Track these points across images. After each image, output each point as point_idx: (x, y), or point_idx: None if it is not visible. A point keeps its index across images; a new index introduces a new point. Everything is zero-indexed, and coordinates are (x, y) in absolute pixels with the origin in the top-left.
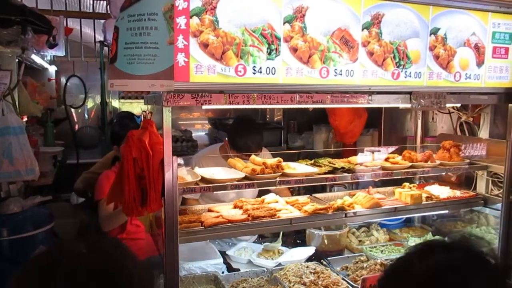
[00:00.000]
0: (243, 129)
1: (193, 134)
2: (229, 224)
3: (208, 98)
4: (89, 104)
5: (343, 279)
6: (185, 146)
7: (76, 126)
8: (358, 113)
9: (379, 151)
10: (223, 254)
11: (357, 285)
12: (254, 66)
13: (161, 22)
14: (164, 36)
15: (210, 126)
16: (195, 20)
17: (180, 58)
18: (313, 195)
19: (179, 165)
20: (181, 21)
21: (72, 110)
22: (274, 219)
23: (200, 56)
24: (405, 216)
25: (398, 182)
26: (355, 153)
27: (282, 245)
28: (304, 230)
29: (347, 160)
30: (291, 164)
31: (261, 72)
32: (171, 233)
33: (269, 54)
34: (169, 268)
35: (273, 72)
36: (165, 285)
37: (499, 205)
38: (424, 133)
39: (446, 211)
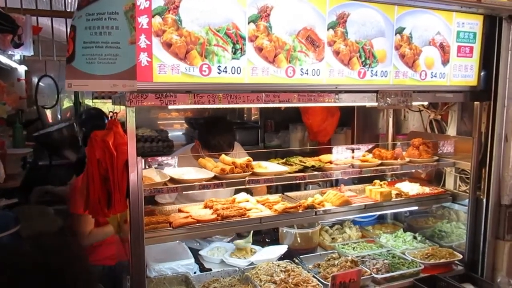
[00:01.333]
0: (213, 129)
1: (170, 134)
2: (198, 224)
3: (173, 98)
4: (66, 104)
5: (314, 276)
6: (161, 146)
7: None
8: (331, 112)
9: (358, 149)
10: (196, 254)
11: (327, 282)
12: (219, 66)
13: (122, 21)
14: (126, 35)
15: (187, 125)
16: (157, 20)
17: (143, 57)
18: (285, 193)
19: (149, 166)
20: (143, 20)
21: (48, 111)
22: (243, 219)
23: (163, 55)
24: (375, 213)
25: (373, 180)
26: (329, 151)
27: (255, 244)
28: (277, 229)
29: (318, 158)
30: (262, 163)
31: (226, 71)
32: (137, 234)
33: (234, 53)
34: (135, 270)
35: (239, 72)
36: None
37: (467, 201)
38: (396, 130)
39: (416, 208)
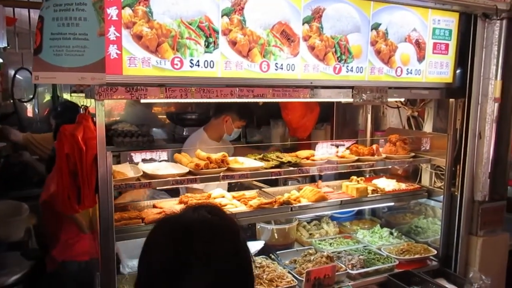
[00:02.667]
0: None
1: (153, 129)
2: None
3: (144, 92)
4: (47, 98)
5: (289, 272)
6: (141, 141)
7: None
8: (310, 108)
9: (342, 145)
10: None
11: (302, 278)
12: (192, 59)
13: (90, 12)
14: (94, 27)
15: (169, 120)
16: (127, 11)
17: (112, 50)
18: (263, 189)
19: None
20: (112, 11)
21: (29, 105)
22: None
23: (133, 48)
24: (351, 209)
25: (357, 175)
26: (309, 147)
27: None
28: (255, 225)
29: (295, 154)
30: (239, 158)
31: (199, 65)
32: (106, 230)
33: (207, 47)
34: (104, 267)
35: (212, 66)
36: (101, 285)
37: (442, 197)
38: (376, 127)
39: (392, 203)
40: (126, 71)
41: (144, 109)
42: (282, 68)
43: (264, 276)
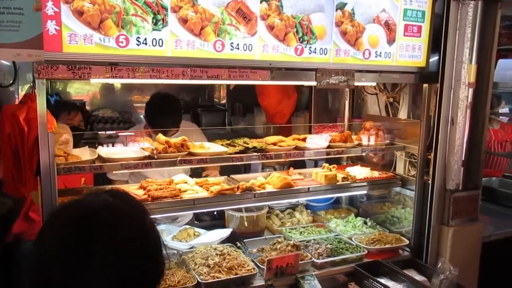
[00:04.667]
0: (157, 107)
1: (138, 116)
2: None
3: (87, 71)
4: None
5: (252, 260)
6: (122, 128)
7: None
8: (287, 94)
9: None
10: None
11: (264, 266)
12: (138, 37)
13: None
14: (30, 1)
15: None
16: None
17: (50, 26)
18: (231, 176)
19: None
20: None
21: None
22: (176, 200)
23: (73, 24)
24: (319, 197)
25: (335, 163)
26: (287, 133)
27: (201, 227)
28: (223, 212)
29: (264, 140)
30: (206, 144)
31: (146, 43)
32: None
33: (155, 24)
34: None
35: (160, 44)
36: None
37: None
38: (358, 114)
39: (363, 192)
40: (67, 48)
41: (126, 96)
42: (238, 48)
43: (224, 264)
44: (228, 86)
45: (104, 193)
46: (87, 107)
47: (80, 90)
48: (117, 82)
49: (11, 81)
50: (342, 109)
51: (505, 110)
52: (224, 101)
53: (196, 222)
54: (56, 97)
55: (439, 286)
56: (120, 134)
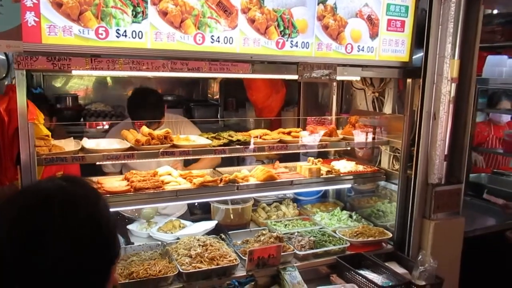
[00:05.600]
0: (136, 101)
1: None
2: (107, 195)
3: (67, 62)
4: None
5: (234, 251)
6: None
7: None
8: (276, 88)
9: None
10: (125, 228)
11: (246, 258)
12: (118, 29)
13: None
14: None
15: None
16: None
17: (29, 17)
18: (216, 168)
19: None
20: None
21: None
22: (158, 191)
23: (52, 16)
24: (303, 190)
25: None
26: (276, 127)
27: (189, 219)
28: (209, 204)
29: (248, 133)
30: (191, 137)
31: (126, 35)
32: None
33: (135, 16)
34: None
35: (140, 36)
36: None
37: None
38: (347, 109)
39: (348, 186)
40: (46, 39)
41: (119, 90)
42: (219, 41)
43: (206, 255)
44: (220, 80)
45: (58, 178)
46: (80, 101)
47: (73, 84)
48: (106, 75)
49: (3, 75)
50: (331, 104)
51: None
52: (217, 96)
53: (191, 217)
54: (40, 90)
55: (418, 278)
56: (105, 125)
